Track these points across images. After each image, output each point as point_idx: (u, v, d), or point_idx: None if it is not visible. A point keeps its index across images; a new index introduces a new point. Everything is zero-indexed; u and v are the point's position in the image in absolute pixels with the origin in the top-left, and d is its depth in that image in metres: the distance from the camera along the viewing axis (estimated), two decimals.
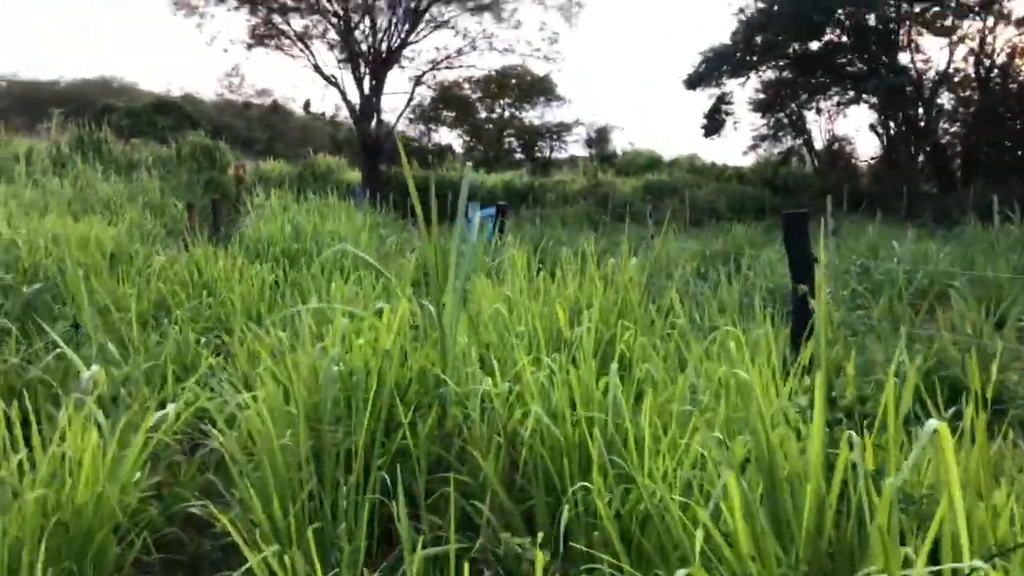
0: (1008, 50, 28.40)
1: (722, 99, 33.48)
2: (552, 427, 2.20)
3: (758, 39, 30.37)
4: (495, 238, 7.12)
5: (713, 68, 31.76)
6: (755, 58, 31.26)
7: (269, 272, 6.64)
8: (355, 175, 29.94)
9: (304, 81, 61.21)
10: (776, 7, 29.50)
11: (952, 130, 30.97)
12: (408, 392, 2.73)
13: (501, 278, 5.10)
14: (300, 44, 30.79)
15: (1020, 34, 28.04)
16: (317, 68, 31.06)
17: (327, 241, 8.64)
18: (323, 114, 38.64)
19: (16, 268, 5.95)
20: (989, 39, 28.31)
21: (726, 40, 31.67)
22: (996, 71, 28.54)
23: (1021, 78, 28.31)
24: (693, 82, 32.37)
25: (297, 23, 30.75)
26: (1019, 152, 28.11)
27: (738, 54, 31.17)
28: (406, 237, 11.21)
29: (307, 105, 38.41)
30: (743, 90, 33.13)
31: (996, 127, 28.03)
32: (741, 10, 31.47)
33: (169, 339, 4.67)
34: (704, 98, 33.45)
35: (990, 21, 28.00)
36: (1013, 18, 27.77)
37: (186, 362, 4.59)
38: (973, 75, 29.11)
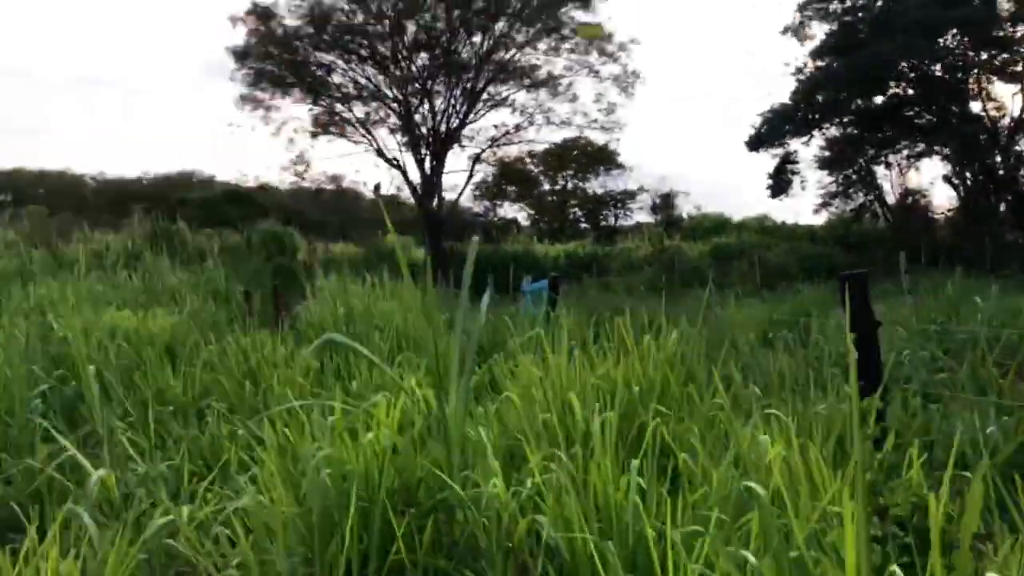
0: None
1: (787, 159, 32.95)
2: (561, 547, 1.90)
3: (819, 97, 29.97)
4: (543, 311, 6.88)
5: (775, 129, 31.36)
6: (817, 116, 30.79)
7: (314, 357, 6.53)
8: (421, 254, 30.30)
9: (367, 164, 63.10)
10: (835, 64, 29.11)
11: None
12: (418, 493, 2.47)
13: (543, 357, 4.85)
14: (362, 130, 31.76)
15: None
16: (380, 152, 31.93)
17: (378, 322, 8.53)
18: (391, 196, 39.52)
19: (64, 364, 5.97)
20: None
21: (786, 100, 31.36)
22: None
23: None
24: (755, 144, 31.99)
25: (359, 110, 31.82)
26: None
27: (799, 113, 30.76)
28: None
29: (377, 188, 39.32)
30: (808, 148, 32.52)
31: None
32: (799, 70, 31.24)
33: (206, 433, 4.57)
34: (768, 158, 33.03)
35: None
36: None
37: (220, 456, 4.45)
38: None
